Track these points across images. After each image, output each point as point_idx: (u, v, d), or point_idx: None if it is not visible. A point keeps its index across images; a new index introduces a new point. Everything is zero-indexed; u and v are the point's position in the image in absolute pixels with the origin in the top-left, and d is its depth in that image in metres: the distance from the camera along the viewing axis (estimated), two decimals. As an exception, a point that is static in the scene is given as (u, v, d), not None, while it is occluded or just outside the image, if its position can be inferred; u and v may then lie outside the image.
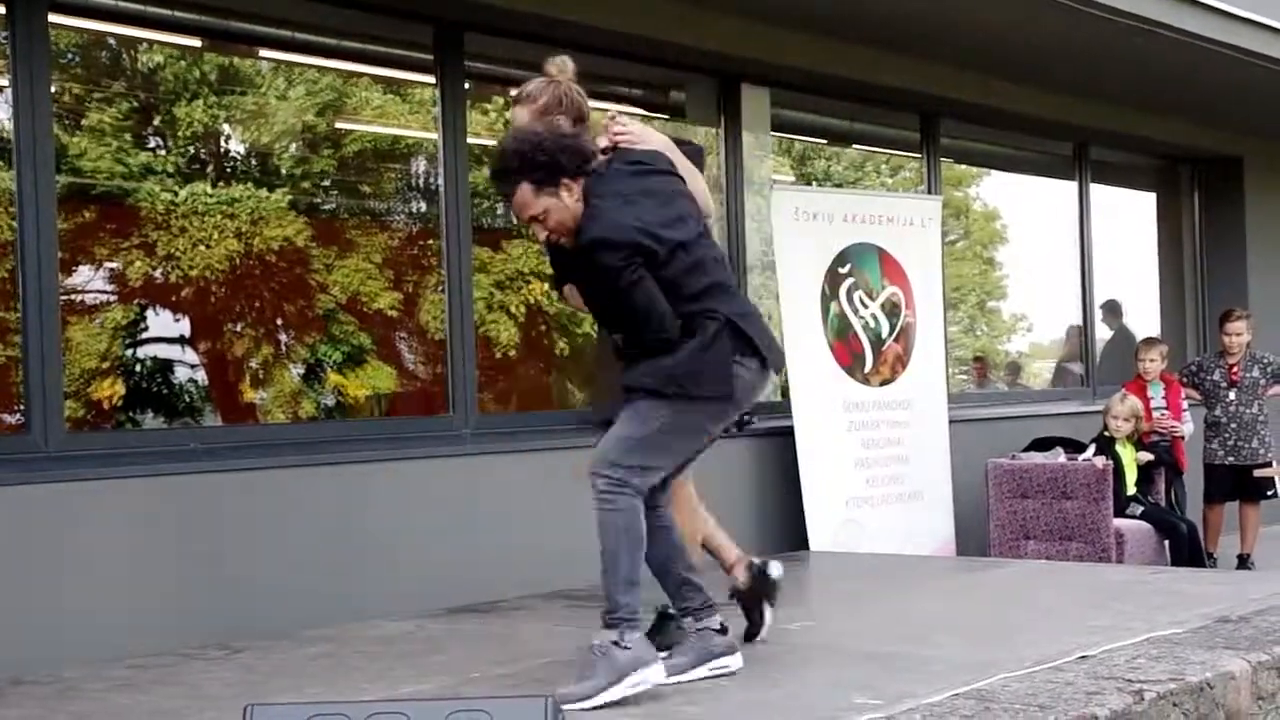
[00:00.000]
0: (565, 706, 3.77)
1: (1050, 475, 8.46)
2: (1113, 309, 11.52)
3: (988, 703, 3.97)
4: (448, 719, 3.11)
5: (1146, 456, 8.90)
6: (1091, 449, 8.71)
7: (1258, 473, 9.34)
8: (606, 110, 8.77)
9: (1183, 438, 9.45)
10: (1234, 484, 9.47)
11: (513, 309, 8.24)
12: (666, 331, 4.28)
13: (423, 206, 7.83)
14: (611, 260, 4.18)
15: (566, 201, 4.26)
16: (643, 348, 4.35)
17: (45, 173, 5.45)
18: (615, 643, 4.14)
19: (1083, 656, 4.58)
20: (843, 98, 9.21)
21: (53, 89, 5.69)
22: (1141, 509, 8.64)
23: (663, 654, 4.34)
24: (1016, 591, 6.40)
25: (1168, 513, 8.85)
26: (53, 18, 5.61)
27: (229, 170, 7.28)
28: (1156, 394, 9.47)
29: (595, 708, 4.03)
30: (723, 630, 4.51)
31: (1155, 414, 9.31)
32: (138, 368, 6.98)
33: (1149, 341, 9.80)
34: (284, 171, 7.49)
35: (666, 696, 4.23)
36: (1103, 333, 11.44)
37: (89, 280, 6.83)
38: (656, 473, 4.38)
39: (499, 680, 4.52)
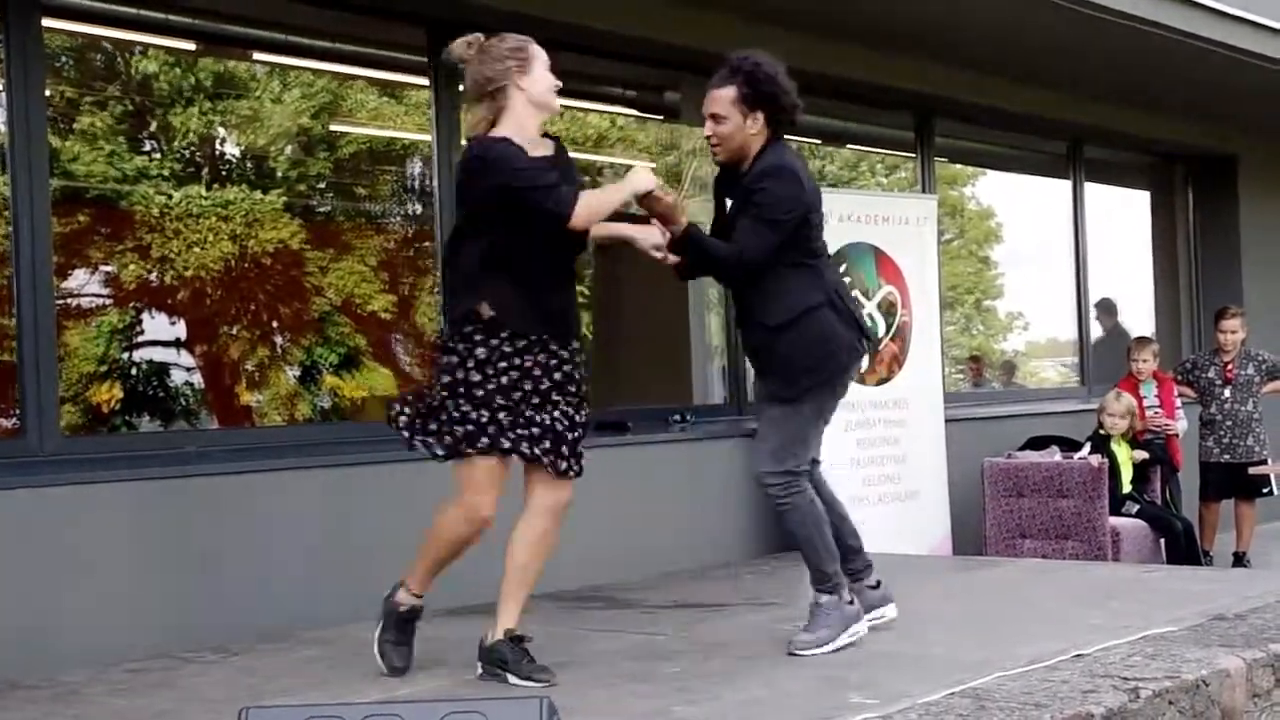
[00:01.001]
0: (802, 652, 4.73)
1: (1046, 474, 8.47)
2: (1107, 308, 11.53)
3: (983, 701, 3.98)
4: (443, 720, 3.11)
5: (1142, 455, 8.91)
6: (1087, 447, 8.72)
7: (1253, 470, 9.35)
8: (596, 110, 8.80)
9: (1177, 436, 9.47)
10: (1229, 482, 9.48)
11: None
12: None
13: (418, 209, 7.83)
14: (781, 190, 4.70)
15: (748, 127, 4.80)
16: (758, 334, 4.90)
17: (39, 177, 5.45)
18: (841, 599, 4.88)
19: (1078, 655, 4.59)
20: (836, 97, 9.21)
21: (46, 93, 5.70)
22: (1137, 507, 8.65)
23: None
24: (1012, 590, 6.41)
25: (1163, 511, 8.85)
26: (46, 22, 5.62)
27: (224, 173, 7.28)
28: (1150, 392, 9.48)
29: (826, 653, 4.75)
30: (877, 585, 5.26)
31: (1149, 412, 9.32)
32: (133, 371, 6.98)
33: (1141, 340, 9.81)
34: (279, 174, 7.49)
35: (664, 695, 4.24)
36: (1097, 331, 11.46)
37: (84, 284, 6.83)
38: (808, 455, 4.98)
39: (496, 681, 4.52)
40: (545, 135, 4.70)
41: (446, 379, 4.48)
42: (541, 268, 4.54)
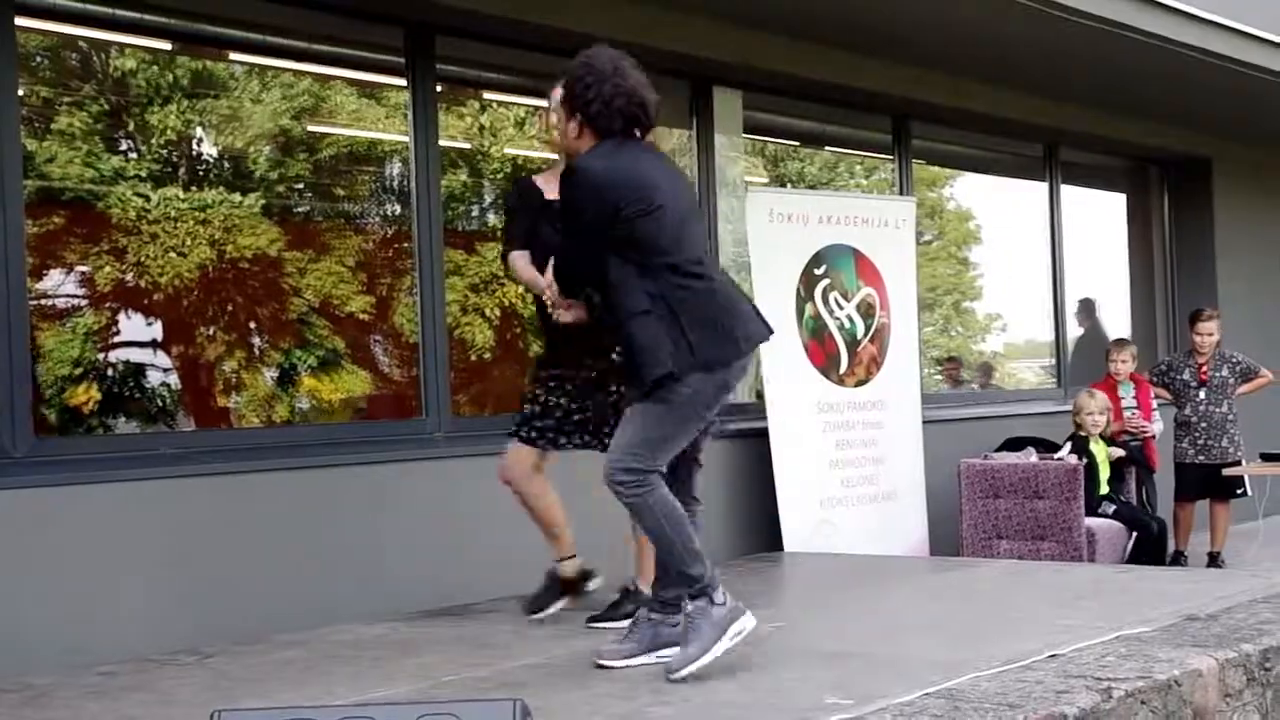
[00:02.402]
0: (676, 675, 4.36)
1: (1022, 475, 8.50)
2: (1086, 308, 11.58)
3: (958, 702, 3.99)
4: (416, 723, 3.11)
5: (1119, 452, 8.95)
6: (1067, 448, 8.75)
7: (1227, 471, 9.39)
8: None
9: (1153, 437, 9.51)
10: (1204, 482, 9.53)
11: (487, 311, 8.24)
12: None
13: (396, 210, 7.82)
14: (570, 193, 4.47)
15: (570, 130, 4.64)
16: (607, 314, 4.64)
17: (12, 177, 5.43)
18: (710, 602, 4.45)
19: (1052, 655, 4.60)
20: (814, 100, 9.24)
21: (20, 92, 5.67)
22: (1114, 508, 8.68)
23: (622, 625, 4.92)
24: (988, 591, 6.42)
25: (1139, 511, 8.89)
26: (19, 20, 5.59)
27: (202, 175, 7.26)
28: (1127, 394, 9.53)
29: (706, 665, 4.39)
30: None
31: (1125, 413, 9.36)
32: (109, 373, 6.96)
33: (1120, 342, 9.86)
34: (257, 175, 7.47)
35: (638, 697, 4.24)
36: (1076, 331, 11.51)
37: (59, 285, 6.80)
38: (666, 455, 4.57)
39: (472, 683, 4.52)
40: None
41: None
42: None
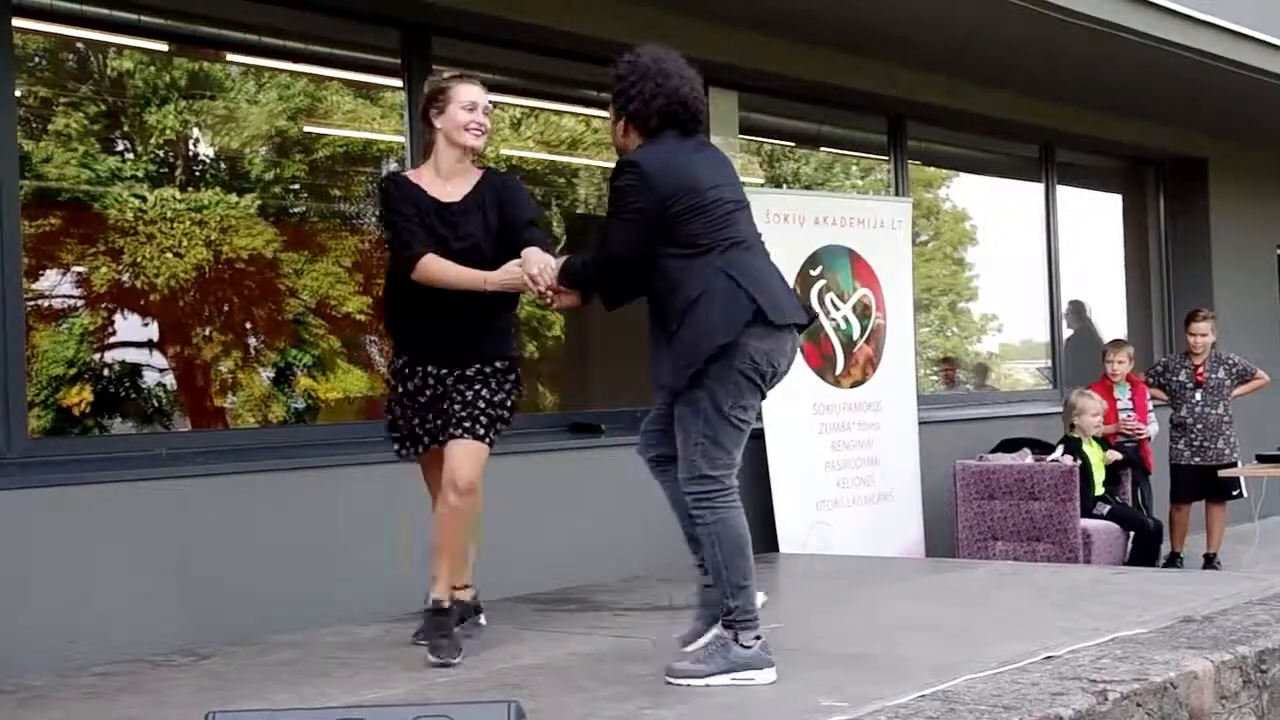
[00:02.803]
0: (674, 680, 4.41)
1: (1017, 476, 8.50)
2: (1077, 309, 11.59)
3: (953, 704, 3.99)
4: (411, 725, 3.11)
5: (1115, 455, 8.95)
6: (1060, 449, 8.76)
7: (1223, 473, 9.40)
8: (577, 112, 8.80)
9: (1148, 439, 9.52)
10: (1200, 484, 9.53)
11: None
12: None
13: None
14: (620, 183, 4.51)
15: (618, 130, 4.74)
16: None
17: (9, 178, 5.42)
18: (735, 640, 4.43)
19: (1048, 657, 4.61)
20: (810, 101, 9.24)
21: (17, 93, 5.67)
22: (1108, 508, 8.69)
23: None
24: (983, 593, 6.43)
25: (1134, 512, 8.89)
26: (16, 22, 5.59)
27: (198, 175, 7.25)
28: (1123, 395, 9.53)
29: (699, 687, 4.37)
30: None
31: (1121, 415, 9.37)
32: (105, 373, 6.95)
33: (1117, 343, 9.86)
34: (254, 176, 7.47)
35: (634, 699, 4.24)
36: (1066, 332, 11.52)
37: (56, 285, 6.79)
38: (735, 460, 4.53)
39: (466, 684, 4.52)
40: (482, 167, 5.20)
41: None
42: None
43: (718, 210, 4.56)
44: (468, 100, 5.07)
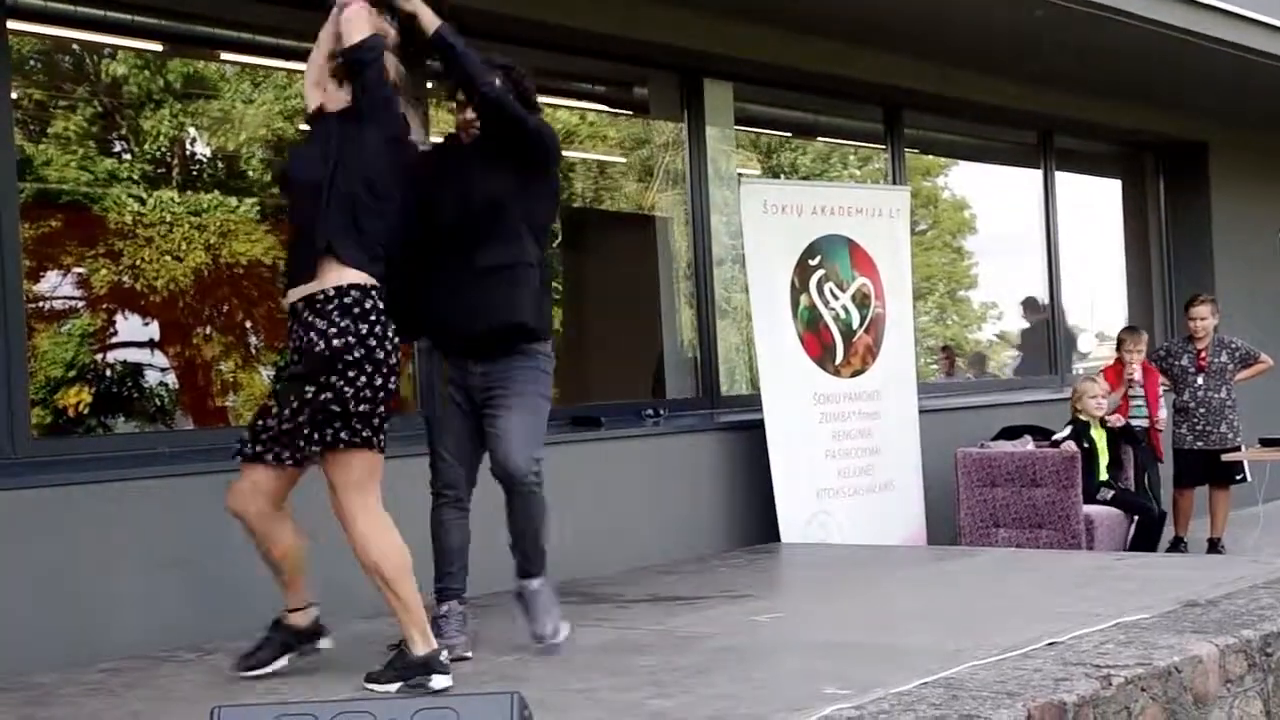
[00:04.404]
0: (556, 639, 4.88)
1: (1019, 463, 8.50)
2: (1032, 304, 11.63)
3: (956, 690, 3.99)
4: (414, 717, 3.11)
5: (1118, 419, 8.93)
6: (1066, 430, 8.75)
7: (1226, 457, 9.39)
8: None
9: (1159, 429, 9.51)
10: (1203, 469, 9.52)
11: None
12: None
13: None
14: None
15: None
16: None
17: (7, 180, 5.42)
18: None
19: (1051, 643, 4.61)
20: (805, 91, 9.23)
21: (14, 95, 5.66)
22: (1112, 493, 8.68)
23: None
24: (986, 580, 6.43)
25: (1139, 497, 8.88)
26: (12, 24, 5.59)
27: (195, 175, 7.26)
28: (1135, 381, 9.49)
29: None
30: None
31: (1133, 402, 9.35)
32: (107, 373, 6.96)
33: (1131, 330, 9.84)
34: (251, 175, 7.47)
35: (636, 689, 4.25)
36: (1023, 325, 11.58)
37: (56, 287, 6.81)
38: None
39: (468, 677, 4.53)
40: None
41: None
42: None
43: None
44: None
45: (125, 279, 6.95)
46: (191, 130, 7.25)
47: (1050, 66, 9.72)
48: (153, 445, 6.02)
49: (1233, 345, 9.68)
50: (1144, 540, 8.51)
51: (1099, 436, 8.83)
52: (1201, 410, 9.53)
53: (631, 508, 7.10)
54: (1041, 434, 8.99)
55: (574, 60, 7.87)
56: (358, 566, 4.69)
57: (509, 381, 4.87)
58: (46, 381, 6.54)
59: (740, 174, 8.97)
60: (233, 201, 7.16)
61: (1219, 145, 12.23)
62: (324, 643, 4.84)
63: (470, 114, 4.81)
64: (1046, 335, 11.19)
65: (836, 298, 8.30)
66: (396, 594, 4.44)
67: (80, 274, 6.90)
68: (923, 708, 3.81)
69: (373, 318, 4.35)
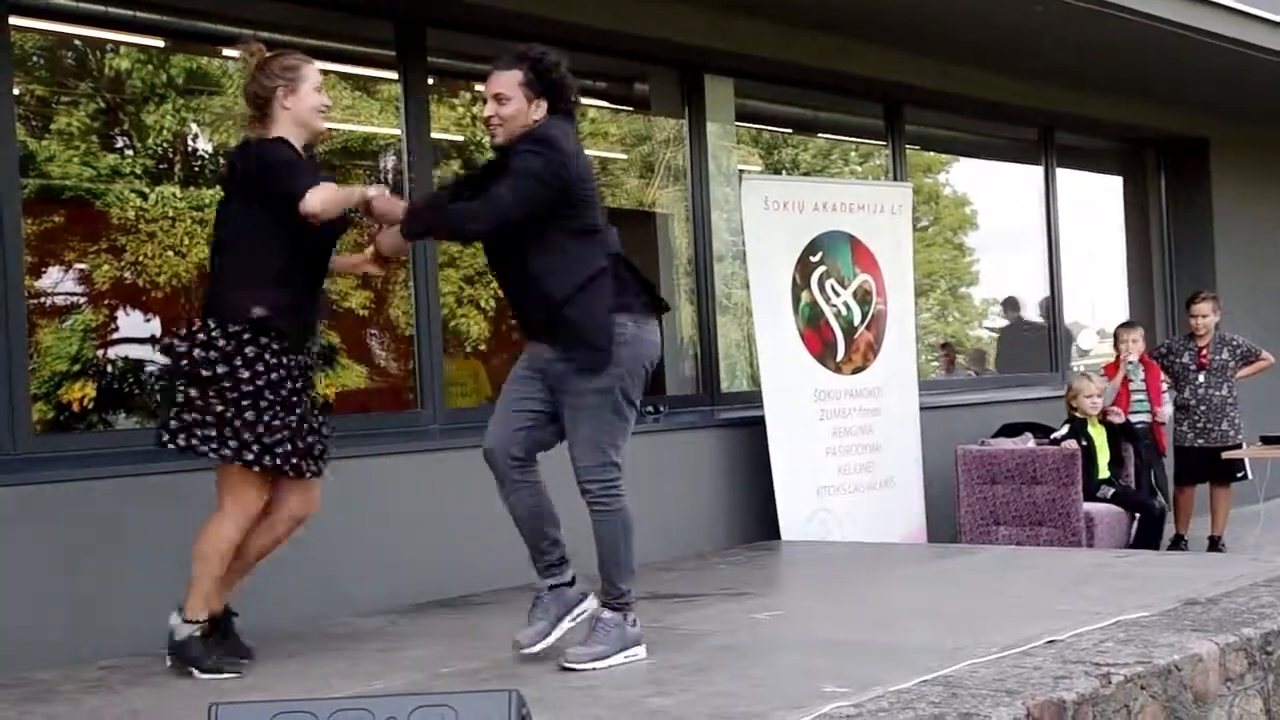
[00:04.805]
0: (576, 666, 4.51)
1: (1019, 461, 8.50)
2: (1011, 303, 11.64)
3: (955, 688, 3.99)
4: (411, 715, 3.11)
5: (1118, 414, 8.92)
6: (1065, 429, 8.75)
7: (1227, 455, 9.38)
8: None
9: (1162, 424, 9.50)
10: (1204, 466, 9.51)
11: (482, 303, 8.24)
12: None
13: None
14: (545, 154, 4.53)
15: (532, 111, 4.66)
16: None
17: (9, 176, 5.42)
18: (625, 619, 4.67)
19: (1051, 641, 4.61)
20: (806, 87, 9.22)
21: (16, 91, 5.67)
22: (1112, 491, 8.68)
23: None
24: (986, 577, 6.43)
25: (1139, 494, 8.87)
26: (14, 20, 5.59)
27: (197, 171, 7.26)
28: (1136, 377, 9.49)
29: (597, 669, 4.51)
30: (572, 582, 4.85)
31: (1135, 397, 9.34)
32: (108, 369, 6.96)
33: (1128, 324, 9.84)
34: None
35: (636, 687, 4.25)
36: (1002, 324, 11.59)
37: (59, 282, 6.81)
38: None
39: (469, 675, 4.54)
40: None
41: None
42: (301, 270, 4.76)
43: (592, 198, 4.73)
44: (319, 81, 4.84)
45: (127, 274, 6.95)
46: (194, 126, 7.25)
47: (1050, 62, 9.72)
48: (153, 441, 6.01)
49: (1234, 342, 9.67)
50: (1147, 537, 8.51)
51: (1097, 434, 8.82)
52: (1202, 408, 9.53)
53: (631, 504, 7.09)
54: (1042, 431, 8.99)
55: (574, 56, 7.76)
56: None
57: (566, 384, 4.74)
58: (49, 377, 6.54)
59: (741, 170, 8.97)
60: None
61: (1220, 141, 12.22)
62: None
63: (489, 110, 4.71)
64: (1024, 333, 11.19)
65: (838, 294, 8.30)
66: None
67: (83, 269, 6.90)
68: (922, 706, 3.81)
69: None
